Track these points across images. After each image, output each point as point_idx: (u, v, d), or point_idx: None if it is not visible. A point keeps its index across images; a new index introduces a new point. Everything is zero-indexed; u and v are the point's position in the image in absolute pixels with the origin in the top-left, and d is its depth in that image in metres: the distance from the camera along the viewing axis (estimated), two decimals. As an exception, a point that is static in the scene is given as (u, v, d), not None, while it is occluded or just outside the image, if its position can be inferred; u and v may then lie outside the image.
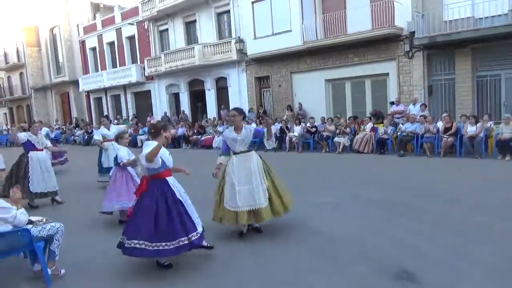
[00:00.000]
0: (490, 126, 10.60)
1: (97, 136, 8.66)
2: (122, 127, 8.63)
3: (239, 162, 4.68)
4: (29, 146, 7.05)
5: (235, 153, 4.75)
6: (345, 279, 3.56)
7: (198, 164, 10.01)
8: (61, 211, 6.77)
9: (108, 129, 8.57)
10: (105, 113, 27.43)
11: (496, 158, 9.71)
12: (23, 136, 7.07)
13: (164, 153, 3.87)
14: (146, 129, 19.49)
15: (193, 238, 3.80)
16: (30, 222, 3.80)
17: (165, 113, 22.24)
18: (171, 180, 3.96)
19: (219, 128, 16.76)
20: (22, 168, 6.99)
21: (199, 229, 3.95)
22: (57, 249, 3.89)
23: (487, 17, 11.71)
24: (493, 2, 11.49)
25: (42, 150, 7.22)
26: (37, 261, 3.86)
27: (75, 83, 28.53)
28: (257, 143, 4.53)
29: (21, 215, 3.63)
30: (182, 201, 3.91)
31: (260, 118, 15.80)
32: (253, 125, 15.87)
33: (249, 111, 18.07)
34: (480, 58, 12.75)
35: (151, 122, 4.19)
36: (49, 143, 7.62)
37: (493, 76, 12.66)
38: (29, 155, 7.01)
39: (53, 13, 29.06)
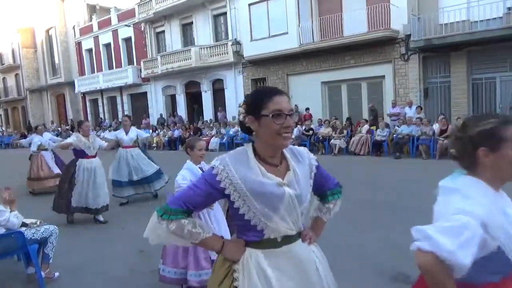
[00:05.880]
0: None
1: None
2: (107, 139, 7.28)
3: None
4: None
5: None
6: (341, 283, 3.54)
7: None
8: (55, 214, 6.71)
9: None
10: (101, 115, 27.36)
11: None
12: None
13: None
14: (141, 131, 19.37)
15: None
16: (24, 224, 3.77)
17: (161, 115, 22.20)
18: None
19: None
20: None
21: None
22: (51, 252, 3.85)
23: (482, 20, 11.78)
24: (488, 6, 11.58)
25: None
26: (31, 264, 3.83)
27: (71, 84, 28.41)
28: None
29: (14, 218, 3.59)
30: None
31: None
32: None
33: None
34: (475, 61, 12.82)
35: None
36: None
37: (488, 79, 12.74)
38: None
39: (49, 15, 28.97)
